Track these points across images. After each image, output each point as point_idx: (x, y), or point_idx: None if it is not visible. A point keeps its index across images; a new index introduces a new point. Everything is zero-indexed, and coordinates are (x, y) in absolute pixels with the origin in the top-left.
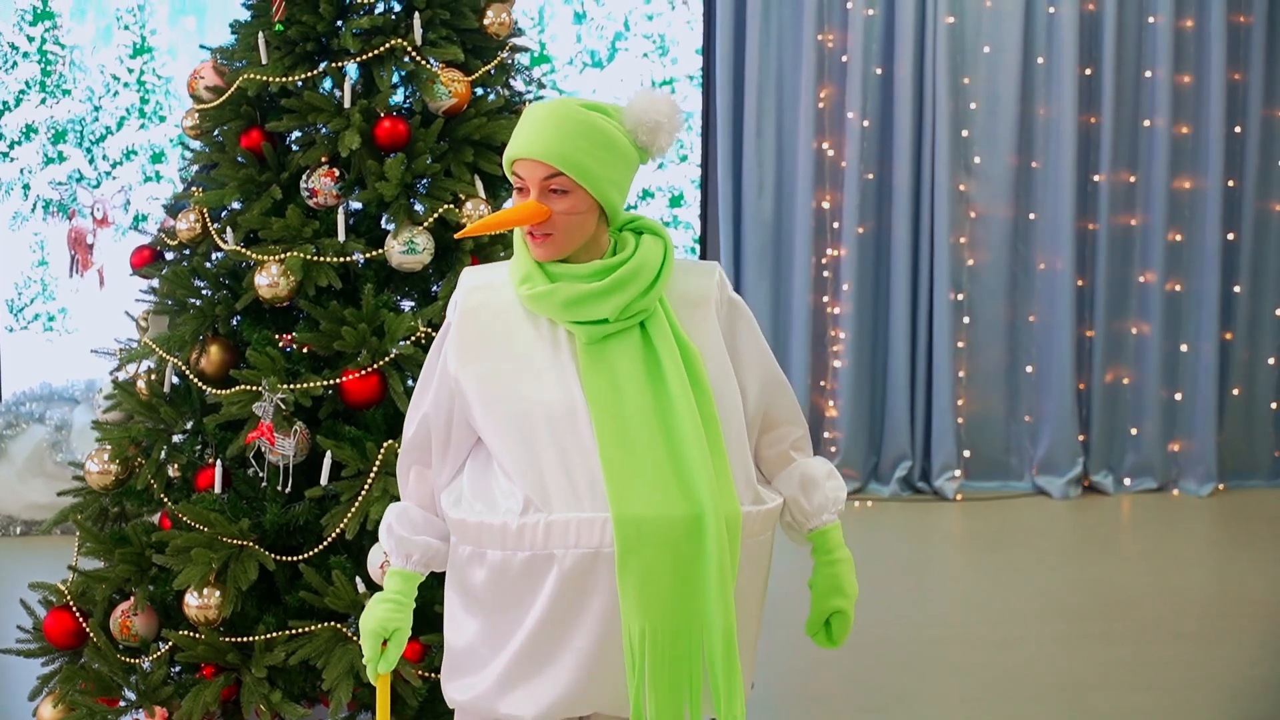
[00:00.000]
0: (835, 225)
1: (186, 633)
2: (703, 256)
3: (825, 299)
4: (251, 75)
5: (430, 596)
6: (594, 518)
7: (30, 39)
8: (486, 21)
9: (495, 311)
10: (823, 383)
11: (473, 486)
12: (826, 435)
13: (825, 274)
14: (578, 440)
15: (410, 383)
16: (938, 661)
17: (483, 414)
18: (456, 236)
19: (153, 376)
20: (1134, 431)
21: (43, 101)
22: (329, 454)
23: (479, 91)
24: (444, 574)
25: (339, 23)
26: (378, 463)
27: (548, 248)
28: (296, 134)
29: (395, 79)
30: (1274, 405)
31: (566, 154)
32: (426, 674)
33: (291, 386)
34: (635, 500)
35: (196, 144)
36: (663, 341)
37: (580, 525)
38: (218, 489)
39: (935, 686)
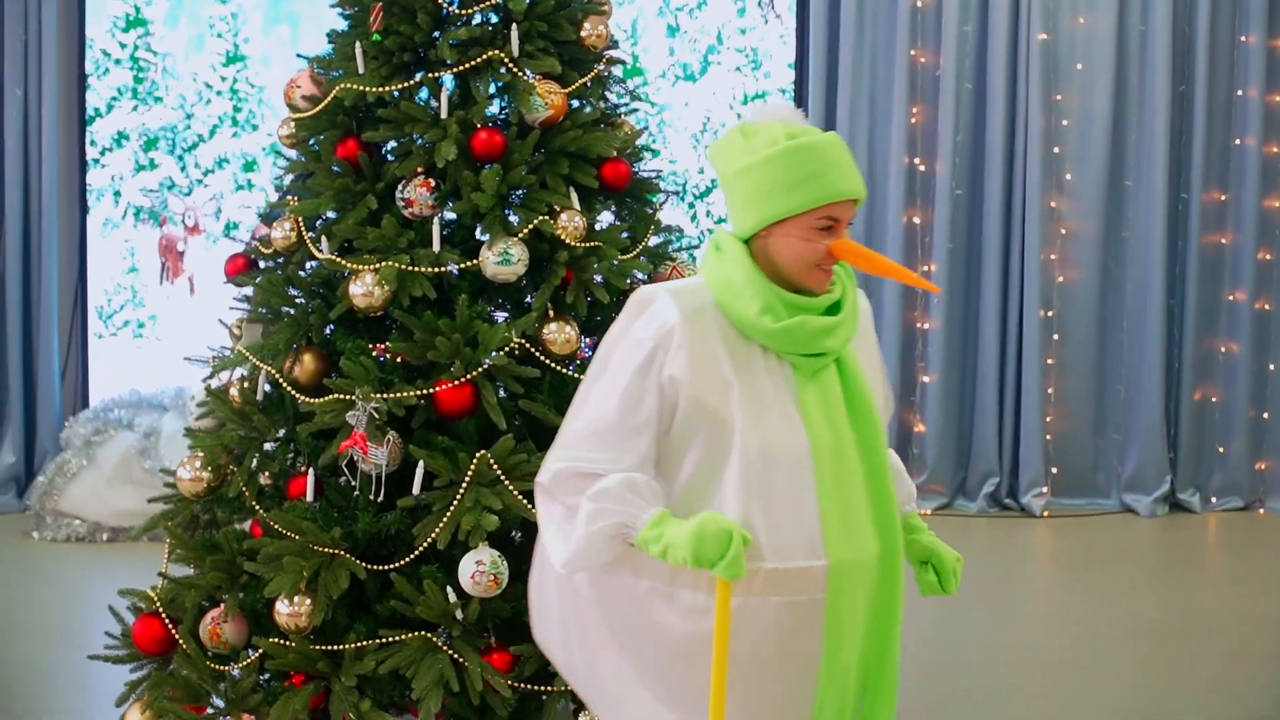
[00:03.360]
0: (926, 240)
1: (276, 640)
2: None
3: (915, 314)
4: (348, 85)
5: (519, 606)
6: (809, 566)
7: (123, 45)
8: (584, 34)
9: (720, 339)
10: (912, 398)
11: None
12: (914, 450)
13: (915, 289)
14: (804, 483)
15: (502, 394)
16: (1016, 681)
17: (715, 445)
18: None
19: (246, 384)
20: (1221, 450)
21: (135, 108)
22: (421, 464)
23: (575, 104)
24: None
25: (436, 33)
26: (470, 473)
27: (828, 279)
28: (392, 144)
29: (492, 90)
30: None
31: None
32: (517, 684)
33: (384, 396)
34: (848, 545)
35: (292, 153)
36: (855, 374)
37: (797, 574)
38: (310, 497)
39: (1013, 708)
